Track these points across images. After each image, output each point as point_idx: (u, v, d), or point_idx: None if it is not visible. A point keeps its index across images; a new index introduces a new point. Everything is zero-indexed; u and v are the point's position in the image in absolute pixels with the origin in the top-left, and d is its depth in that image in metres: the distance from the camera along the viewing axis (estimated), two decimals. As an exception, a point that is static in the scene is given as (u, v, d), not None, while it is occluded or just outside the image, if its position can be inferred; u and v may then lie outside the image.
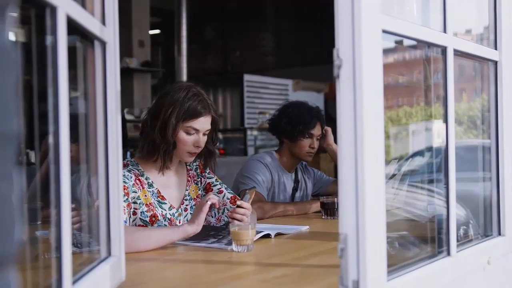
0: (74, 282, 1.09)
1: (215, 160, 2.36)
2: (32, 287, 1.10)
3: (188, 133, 2.17)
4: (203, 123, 2.18)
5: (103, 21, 1.33)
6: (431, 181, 1.92)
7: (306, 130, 2.95)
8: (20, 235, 0.59)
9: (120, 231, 1.39)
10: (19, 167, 0.59)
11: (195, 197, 2.34)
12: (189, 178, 2.35)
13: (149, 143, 2.18)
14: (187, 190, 2.32)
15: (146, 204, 2.15)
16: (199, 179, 2.38)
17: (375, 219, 1.18)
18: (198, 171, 2.39)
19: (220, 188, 2.37)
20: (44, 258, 1.40)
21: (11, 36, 0.58)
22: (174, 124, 2.13)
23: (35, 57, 1.06)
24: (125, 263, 1.43)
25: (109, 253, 1.36)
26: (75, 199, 1.17)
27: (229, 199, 2.33)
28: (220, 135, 7.75)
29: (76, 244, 1.30)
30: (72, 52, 1.08)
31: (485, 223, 1.85)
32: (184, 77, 8.93)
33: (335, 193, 2.96)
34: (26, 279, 1.12)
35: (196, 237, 2.02)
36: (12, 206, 0.56)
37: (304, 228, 2.31)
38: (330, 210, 2.61)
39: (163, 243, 1.91)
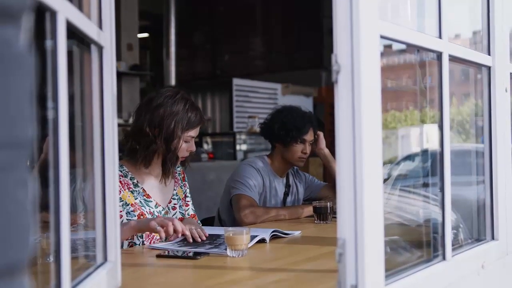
0: (72, 288, 1.08)
1: (191, 157, 2.43)
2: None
3: (185, 142, 2.27)
4: (198, 130, 2.32)
5: (100, 25, 1.33)
6: (422, 186, 1.93)
7: (299, 136, 2.94)
8: (33, 241, 0.58)
9: (117, 237, 1.38)
10: (31, 173, 0.58)
11: (183, 197, 2.43)
12: (176, 180, 2.43)
13: (151, 153, 2.23)
14: (175, 190, 2.40)
15: (132, 204, 2.19)
16: (183, 184, 2.48)
17: (374, 224, 1.18)
18: (181, 176, 2.48)
19: (189, 201, 2.47)
20: (37, 264, 1.39)
21: (26, 42, 0.58)
22: (180, 135, 2.23)
23: (33, 61, 1.05)
24: (121, 269, 1.42)
25: (105, 259, 1.35)
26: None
27: (189, 215, 2.41)
28: (209, 139, 7.75)
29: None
30: (68, 56, 1.07)
31: (479, 227, 1.87)
32: (173, 81, 8.91)
33: (326, 198, 2.97)
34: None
35: (193, 244, 2.01)
36: (27, 213, 0.56)
37: (297, 233, 2.31)
38: (322, 214, 2.61)
39: None
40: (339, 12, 1.17)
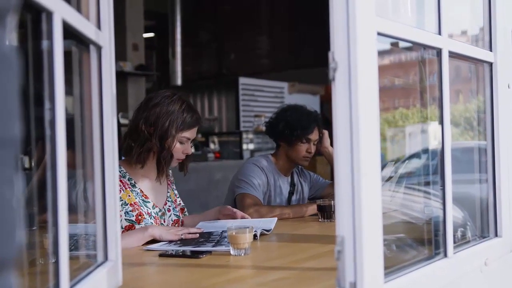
0: (71, 287, 1.08)
1: (189, 162, 2.43)
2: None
3: (181, 143, 2.28)
4: (195, 132, 2.33)
5: (99, 26, 1.33)
6: (427, 183, 1.93)
7: (303, 135, 2.94)
8: (20, 239, 0.59)
9: (117, 236, 1.39)
10: (19, 172, 0.59)
11: (174, 200, 2.45)
12: (169, 182, 2.46)
13: (146, 151, 2.24)
14: (168, 192, 2.43)
15: (131, 204, 2.22)
16: (174, 186, 2.51)
17: (372, 221, 1.18)
18: (172, 179, 2.51)
19: (179, 202, 2.50)
20: (39, 264, 1.39)
21: (12, 41, 0.58)
22: (174, 135, 2.23)
23: (30, 62, 1.06)
24: (121, 268, 1.43)
25: (106, 258, 1.36)
26: (71, 204, 1.17)
27: (176, 218, 2.42)
28: (216, 139, 7.75)
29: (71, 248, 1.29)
30: (67, 56, 1.08)
31: (482, 224, 1.86)
32: (179, 81, 8.91)
33: (331, 196, 2.96)
34: (23, 284, 1.12)
35: (192, 243, 2.01)
36: (13, 210, 0.56)
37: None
38: (326, 213, 2.61)
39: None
40: (335, 9, 1.17)
